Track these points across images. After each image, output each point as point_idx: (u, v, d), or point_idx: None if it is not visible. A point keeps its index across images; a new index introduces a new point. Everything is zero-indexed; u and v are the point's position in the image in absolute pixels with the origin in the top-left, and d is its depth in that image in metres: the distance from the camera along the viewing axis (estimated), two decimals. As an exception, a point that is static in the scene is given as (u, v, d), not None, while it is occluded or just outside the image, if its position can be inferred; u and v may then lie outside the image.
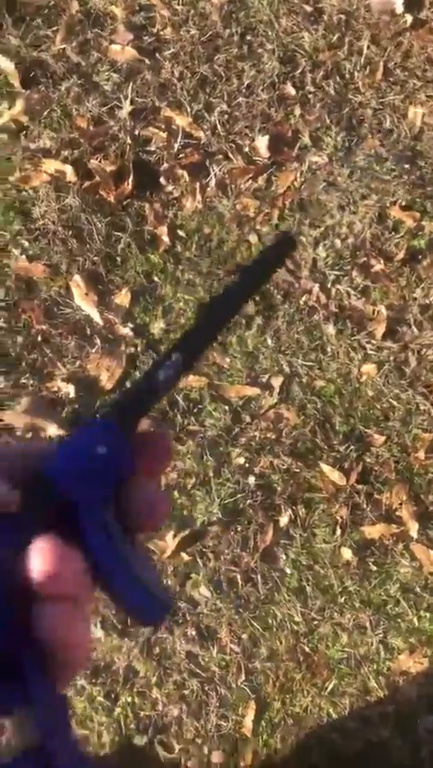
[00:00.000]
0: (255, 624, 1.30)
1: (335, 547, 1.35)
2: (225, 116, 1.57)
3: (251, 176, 1.54)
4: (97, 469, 0.36)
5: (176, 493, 1.37)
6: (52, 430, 1.35)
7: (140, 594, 0.37)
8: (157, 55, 1.58)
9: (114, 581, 0.36)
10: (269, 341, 1.46)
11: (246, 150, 1.56)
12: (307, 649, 1.30)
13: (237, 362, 1.44)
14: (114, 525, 0.38)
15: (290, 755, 1.24)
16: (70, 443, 0.37)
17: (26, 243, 1.46)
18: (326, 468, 1.38)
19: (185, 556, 1.33)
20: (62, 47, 1.56)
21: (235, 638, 1.29)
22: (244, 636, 1.29)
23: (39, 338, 1.42)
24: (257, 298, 1.48)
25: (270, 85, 1.58)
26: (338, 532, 1.35)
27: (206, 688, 1.27)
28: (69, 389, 1.38)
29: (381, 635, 1.31)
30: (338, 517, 1.36)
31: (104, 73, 1.56)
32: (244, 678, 1.28)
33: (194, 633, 1.29)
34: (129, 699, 1.26)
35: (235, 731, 1.26)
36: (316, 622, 1.32)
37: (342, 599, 1.33)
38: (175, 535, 1.34)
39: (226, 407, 1.42)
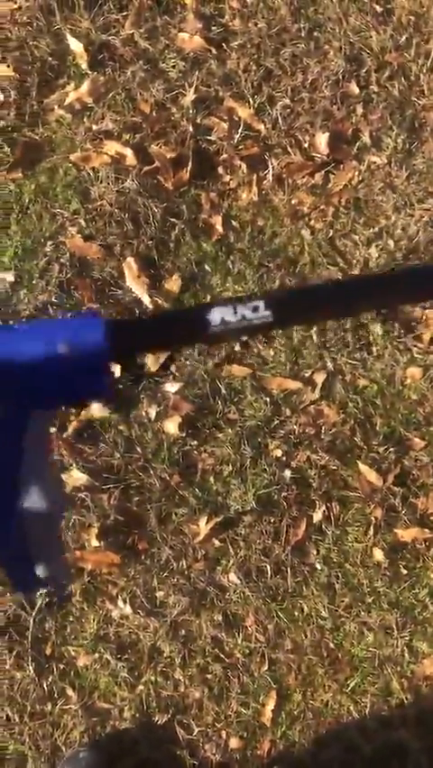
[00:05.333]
0: (282, 615, 1.31)
1: (366, 547, 1.35)
2: (287, 111, 1.57)
3: (308, 171, 1.54)
4: (45, 372, 0.28)
5: (211, 479, 1.38)
6: (97, 408, 1.37)
7: (21, 566, 0.31)
8: (224, 45, 1.59)
9: None
10: (314, 336, 1.46)
11: (306, 145, 1.56)
12: (331, 645, 1.30)
13: (281, 355, 1.45)
14: (38, 452, 0.30)
15: (306, 748, 1.24)
16: (32, 324, 0.28)
17: (83, 223, 1.48)
18: (363, 467, 1.38)
19: (216, 542, 1.34)
20: (131, 32, 1.58)
21: (261, 627, 1.30)
22: (270, 627, 1.30)
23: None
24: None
25: (334, 82, 1.58)
26: (371, 532, 1.35)
27: (228, 674, 1.28)
28: (115, 370, 1.40)
29: (407, 638, 1.31)
30: (372, 518, 1.36)
31: (170, 60, 1.58)
32: (266, 667, 1.29)
33: (220, 618, 1.30)
34: (152, 678, 1.27)
35: (255, 719, 1.27)
36: (342, 619, 1.32)
37: (370, 599, 1.33)
38: (208, 521, 1.35)
39: (267, 399, 1.43)
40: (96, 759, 1.19)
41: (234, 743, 1.25)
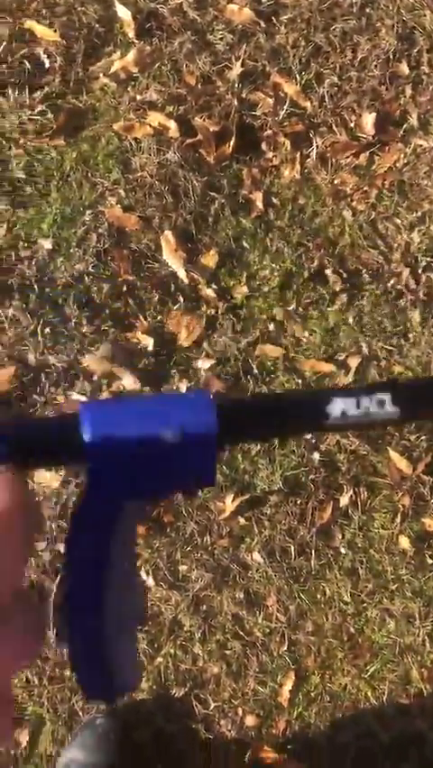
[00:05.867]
0: (304, 597, 1.30)
1: (392, 534, 1.34)
2: (335, 89, 1.54)
3: (353, 152, 1.51)
4: (149, 458, 0.25)
5: (239, 458, 1.38)
6: (128, 381, 1.37)
7: (97, 671, 0.30)
8: (273, 19, 1.56)
9: (76, 635, 0.29)
10: (351, 319, 1.44)
11: (351, 125, 1.53)
12: (352, 630, 1.29)
13: (316, 337, 1.43)
14: (125, 550, 0.29)
15: (322, 731, 1.24)
16: (135, 404, 0.25)
17: (123, 193, 1.46)
18: (394, 454, 1.36)
19: (242, 520, 1.33)
20: (180, 1, 1.56)
21: (282, 608, 1.29)
22: (292, 607, 1.29)
23: (124, 288, 1.43)
24: (344, 275, 1.46)
25: (384, 61, 1.55)
26: (398, 520, 1.34)
27: (248, 651, 1.28)
28: (149, 342, 1.39)
29: (429, 628, 1.30)
30: (400, 505, 1.34)
31: (218, 32, 1.55)
32: (286, 648, 1.28)
33: (242, 596, 1.30)
34: (171, 651, 1.28)
35: (272, 699, 1.27)
36: (364, 604, 1.31)
37: (393, 587, 1.31)
38: (234, 499, 1.34)
39: (299, 381, 1.41)
40: (113, 727, 1.19)
41: (249, 720, 1.25)
